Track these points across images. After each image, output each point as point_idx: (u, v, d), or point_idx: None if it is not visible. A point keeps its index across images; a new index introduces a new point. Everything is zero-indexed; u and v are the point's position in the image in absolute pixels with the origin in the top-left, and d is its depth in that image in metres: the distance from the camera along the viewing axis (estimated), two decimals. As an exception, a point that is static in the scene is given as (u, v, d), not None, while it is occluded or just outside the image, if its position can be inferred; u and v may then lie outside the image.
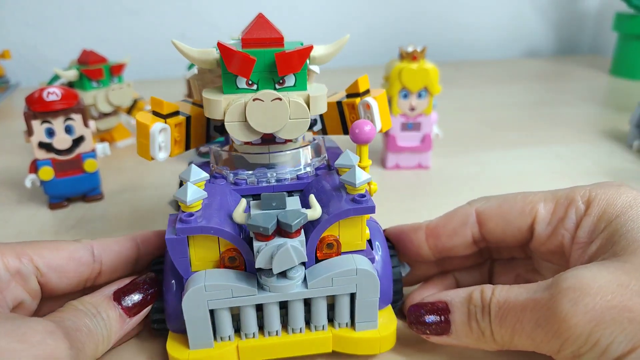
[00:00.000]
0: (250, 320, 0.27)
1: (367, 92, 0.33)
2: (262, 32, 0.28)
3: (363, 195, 0.27)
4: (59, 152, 0.47)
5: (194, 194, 0.26)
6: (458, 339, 0.27)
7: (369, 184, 0.30)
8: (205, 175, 0.28)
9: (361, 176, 0.27)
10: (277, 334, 0.28)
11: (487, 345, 0.26)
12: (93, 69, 0.59)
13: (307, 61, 0.29)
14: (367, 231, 0.29)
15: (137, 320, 0.29)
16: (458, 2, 1.20)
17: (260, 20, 0.29)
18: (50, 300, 0.30)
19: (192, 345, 0.27)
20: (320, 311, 0.28)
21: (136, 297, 0.29)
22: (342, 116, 0.34)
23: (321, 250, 0.28)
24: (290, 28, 0.32)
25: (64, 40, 1.03)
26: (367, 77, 0.33)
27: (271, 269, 0.26)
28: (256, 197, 0.30)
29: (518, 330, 0.25)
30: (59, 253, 0.29)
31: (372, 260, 0.28)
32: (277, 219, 0.25)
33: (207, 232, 0.26)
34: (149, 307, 0.29)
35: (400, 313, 0.32)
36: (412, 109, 0.54)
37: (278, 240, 0.25)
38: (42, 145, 0.47)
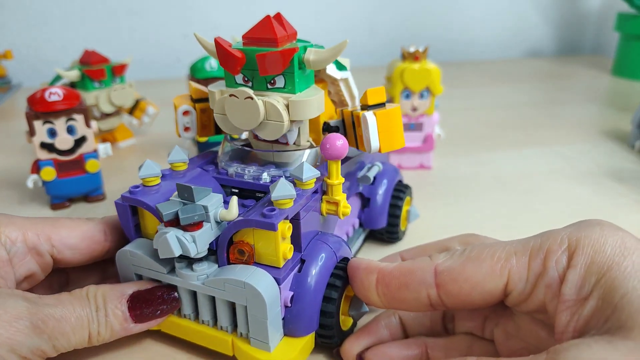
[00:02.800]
0: None
1: (381, 105, 0.31)
2: (260, 32, 0.29)
3: (273, 210, 0.26)
4: (60, 152, 0.47)
5: (146, 169, 0.30)
6: None
7: (337, 205, 0.29)
8: (157, 171, 0.30)
9: (309, 172, 0.28)
10: (190, 319, 0.30)
11: None
12: (95, 69, 0.59)
13: (295, 63, 0.28)
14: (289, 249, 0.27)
15: (141, 328, 0.29)
16: (460, 2, 1.20)
17: (264, 20, 0.29)
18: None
19: None
20: (221, 312, 0.28)
21: (149, 308, 0.29)
22: (354, 127, 0.32)
23: (234, 254, 0.27)
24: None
25: (66, 40, 1.03)
26: (383, 90, 0.31)
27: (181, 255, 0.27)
28: (239, 189, 0.31)
29: None
30: (74, 232, 0.31)
31: (279, 281, 0.26)
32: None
33: (139, 205, 0.28)
34: (158, 321, 0.29)
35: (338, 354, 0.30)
36: (414, 109, 0.54)
37: (171, 229, 0.26)
38: (44, 145, 0.47)
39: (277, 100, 0.29)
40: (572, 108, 0.81)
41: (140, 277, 0.30)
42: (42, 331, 0.25)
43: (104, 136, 0.65)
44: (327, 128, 0.32)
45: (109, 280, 0.34)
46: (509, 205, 0.48)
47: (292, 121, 0.29)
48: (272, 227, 0.25)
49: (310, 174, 0.28)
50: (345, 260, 0.30)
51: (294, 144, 0.31)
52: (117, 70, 0.61)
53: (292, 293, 0.28)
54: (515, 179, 0.54)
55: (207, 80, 0.61)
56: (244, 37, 0.29)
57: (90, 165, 0.49)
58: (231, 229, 0.27)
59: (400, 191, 0.41)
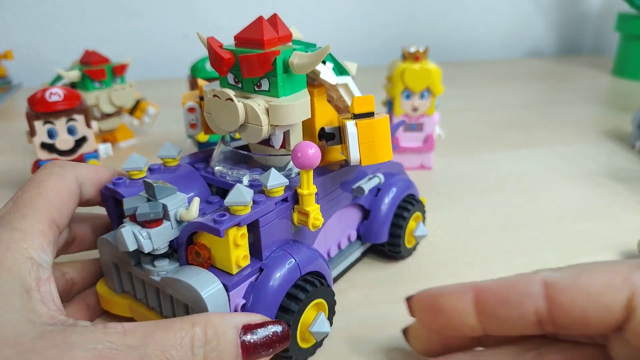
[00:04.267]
0: (135, 284, 0.30)
1: (369, 114, 0.29)
2: (249, 33, 0.29)
3: (224, 215, 0.25)
4: (61, 152, 0.47)
5: (130, 163, 0.31)
6: None
7: (307, 216, 0.28)
8: (140, 165, 0.31)
9: (275, 180, 0.27)
10: (156, 311, 0.30)
11: None
12: (95, 69, 0.59)
13: (279, 67, 0.28)
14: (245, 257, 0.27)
15: None
16: (461, 2, 1.20)
17: (256, 21, 0.29)
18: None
19: (107, 284, 0.31)
20: (178, 309, 0.28)
21: (263, 340, 0.24)
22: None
23: (191, 255, 0.27)
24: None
25: (67, 40, 1.03)
26: (371, 99, 0.29)
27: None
28: (222, 189, 0.32)
29: None
30: (89, 172, 0.30)
31: (228, 287, 0.26)
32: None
33: (116, 195, 0.29)
34: (267, 358, 0.25)
35: None
36: (415, 110, 0.54)
37: (129, 224, 0.26)
38: (44, 145, 0.47)
39: (259, 103, 0.28)
40: (572, 108, 0.81)
41: (116, 267, 0.30)
42: None
43: (105, 136, 0.65)
44: (323, 134, 0.32)
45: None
46: (510, 205, 0.48)
47: (274, 126, 0.29)
48: (218, 233, 0.25)
49: (276, 182, 0.27)
50: (316, 273, 0.29)
51: (282, 147, 0.31)
52: (118, 71, 0.61)
53: (244, 301, 0.27)
54: (515, 179, 0.54)
55: (207, 81, 0.61)
56: (235, 37, 0.29)
57: (91, 166, 0.49)
58: (186, 230, 0.27)
59: (406, 206, 0.38)
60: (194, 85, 0.61)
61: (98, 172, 0.31)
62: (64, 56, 0.97)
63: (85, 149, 0.48)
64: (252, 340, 0.24)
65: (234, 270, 0.26)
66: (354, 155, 0.29)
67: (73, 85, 0.60)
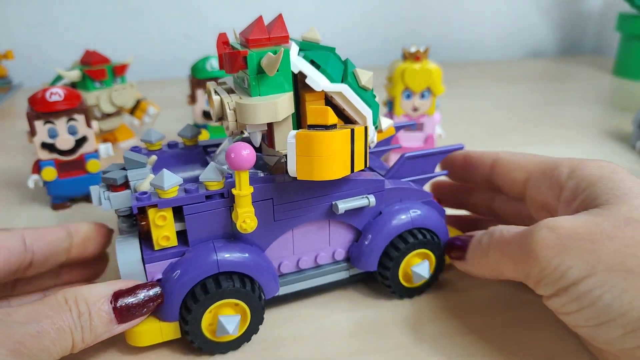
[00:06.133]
0: None
1: (322, 127, 0.28)
2: (244, 32, 0.29)
3: (145, 194, 0.28)
4: (61, 152, 0.47)
5: (145, 135, 0.35)
6: (469, 264, 0.32)
7: (237, 217, 0.28)
8: (150, 139, 0.35)
9: (170, 180, 0.28)
10: None
11: (486, 271, 0.31)
12: (96, 69, 0.59)
13: (250, 66, 0.28)
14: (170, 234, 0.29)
15: (124, 328, 0.28)
16: (461, 2, 1.20)
17: (254, 21, 0.29)
18: None
19: None
20: None
21: (134, 305, 0.27)
22: None
23: (140, 224, 0.30)
24: (293, 30, 0.32)
25: (67, 40, 1.03)
26: (325, 111, 0.28)
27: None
28: None
29: (504, 258, 0.29)
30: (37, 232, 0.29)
31: (144, 260, 0.29)
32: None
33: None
34: (141, 319, 0.28)
35: None
36: (415, 110, 0.54)
37: (101, 186, 0.31)
38: (44, 145, 0.47)
39: (231, 99, 0.29)
40: (573, 108, 0.81)
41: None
42: (22, 353, 0.23)
43: (105, 136, 0.65)
44: None
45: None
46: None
47: (243, 124, 0.29)
48: (132, 209, 0.28)
49: (172, 182, 0.28)
50: (241, 274, 0.30)
51: (271, 147, 0.31)
52: (118, 71, 0.61)
53: (161, 277, 0.29)
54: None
55: (208, 81, 0.61)
56: (239, 35, 0.31)
57: (91, 166, 0.49)
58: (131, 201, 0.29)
59: (408, 237, 0.34)
60: (194, 85, 0.61)
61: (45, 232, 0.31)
62: (65, 56, 0.97)
63: (85, 148, 0.48)
64: (124, 304, 0.27)
65: (155, 247, 0.29)
66: (291, 167, 0.27)
67: (73, 85, 0.60)
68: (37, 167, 0.48)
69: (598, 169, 0.29)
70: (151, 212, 0.28)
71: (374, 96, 0.32)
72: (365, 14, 1.16)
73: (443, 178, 0.41)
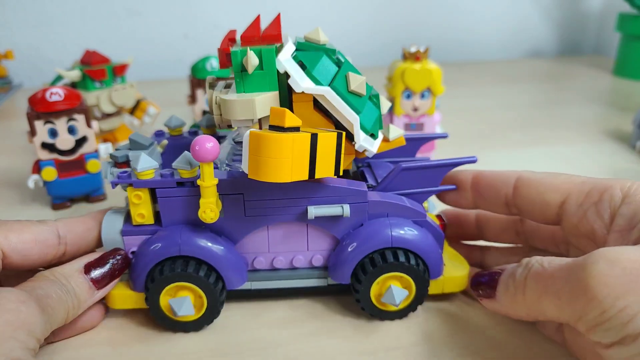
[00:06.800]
0: None
1: (280, 128, 0.27)
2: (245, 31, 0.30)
3: (125, 172, 0.31)
4: (61, 152, 0.47)
5: (168, 121, 0.39)
6: (500, 303, 0.28)
7: (204, 209, 0.29)
8: (171, 124, 0.39)
9: (144, 163, 0.30)
10: None
11: (521, 310, 0.27)
12: (96, 69, 0.59)
13: (235, 64, 0.29)
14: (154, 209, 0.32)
15: (104, 292, 0.31)
16: (461, 2, 1.20)
17: (253, 20, 0.30)
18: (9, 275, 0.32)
19: None
20: None
21: (105, 271, 0.30)
22: None
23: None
24: (293, 30, 0.32)
25: (67, 40, 1.03)
26: (283, 112, 0.27)
27: None
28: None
29: (546, 295, 0.24)
30: (24, 236, 0.30)
31: (122, 232, 0.32)
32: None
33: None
34: (116, 281, 0.31)
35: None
36: (415, 110, 0.54)
37: (109, 162, 0.34)
38: (45, 145, 0.47)
39: (218, 94, 0.30)
40: (573, 108, 0.81)
41: None
42: (44, 310, 0.25)
43: (105, 136, 0.65)
44: None
45: None
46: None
47: (227, 119, 0.30)
48: (112, 185, 0.31)
49: (146, 166, 0.30)
50: (200, 261, 0.31)
51: None
52: (118, 71, 0.61)
53: (135, 250, 0.32)
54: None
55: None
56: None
57: (91, 166, 0.49)
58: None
59: (388, 256, 0.31)
60: (194, 85, 0.61)
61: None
62: (65, 56, 0.97)
63: (85, 148, 0.48)
64: (97, 274, 0.30)
65: (133, 222, 0.32)
66: (244, 165, 0.28)
67: (74, 85, 0.60)
68: (37, 167, 0.48)
69: None
70: (129, 190, 0.31)
71: (376, 104, 0.31)
72: (365, 14, 1.16)
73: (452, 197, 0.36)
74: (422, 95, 0.53)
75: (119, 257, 0.31)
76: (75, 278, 0.29)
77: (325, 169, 0.28)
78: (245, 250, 0.33)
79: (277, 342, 0.32)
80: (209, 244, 0.31)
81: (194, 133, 0.39)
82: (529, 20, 1.25)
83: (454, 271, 0.34)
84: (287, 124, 0.27)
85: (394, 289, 0.31)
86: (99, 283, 0.30)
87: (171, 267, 0.31)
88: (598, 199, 0.28)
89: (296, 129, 0.27)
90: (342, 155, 0.29)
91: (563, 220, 0.30)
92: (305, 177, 0.27)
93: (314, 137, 0.27)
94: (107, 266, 0.31)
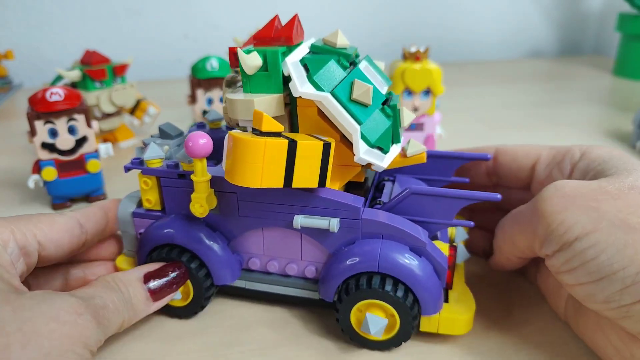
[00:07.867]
0: None
1: (258, 132, 0.26)
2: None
3: (137, 159, 0.33)
4: (62, 152, 0.47)
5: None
6: (495, 251, 0.34)
7: (194, 204, 0.29)
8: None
9: (152, 153, 0.32)
10: None
11: (507, 250, 0.32)
12: (96, 69, 0.59)
13: (240, 64, 0.28)
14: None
15: (159, 305, 0.31)
16: (462, 2, 1.20)
17: (270, 20, 0.30)
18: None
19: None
20: None
21: (163, 283, 0.31)
22: None
23: None
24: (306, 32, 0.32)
25: (67, 40, 1.03)
26: (260, 115, 0.26)
27: None
28: None
29: (516, 225, 0.30)
30: (54, 227, 0.30)
31: (133, 214, 0.34)
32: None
33: None
34: (173, 295, 0.31)
35: None
36: (415, 110, 0.54)
37: (155, 141, 0.36)
38: (45, 145, 0.47)
39: (225, 94, 0.31)
40: (573, 108, 0.81)
41: None
42: (100, 323, 0.26)
43: (105, 136, 0.65)
44: None
45: (71, 283, 0.34)
46: (511, 206, 0.48)
47: (235, 118, 0.30)
48: (125, 169, 0.33)
49: (153, 154, 0.32)
50: (190, 253, 0.32)
51: None
52: (118, 71, 0.61)
53: (142, 231, 0.34)
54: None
55: (208, 81, 0.61)
56: None
57: (92, 166, 0.49)
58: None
59: (375, 283, 0.29)
60: (194, 85, 0.61)
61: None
62: (65, 56, 0.97)
63: (85, 148, 0.48)
64: (155, 285, 0.30)
65: (144, 206, 0.34)
66: (223, 165, 0.28)
67: (74, 85, 0.60)
68: (37, 167, 0.48)
69: (608, 152, 0.31)
70: (139, 176, 0.33)
71: (390, 115, 0.29)
72: (366, 14, 1.16)
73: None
74: (422, 95, 0.53)
75: (178, 271, 0.32)
76: (134, 286, 0.29)
77: (305, 179, 0.27)
78: (241, 248, 0.33)
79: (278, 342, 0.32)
80: (199, 236, 0.32)
81: (230, 128, 0.37)
82: (529, 20, 1.25)
83: (456, 311, 0.30)
84: (264, 128, 0.26)
85: (369, 317, 0.29)
86: (156, 295, 0.30)
87: (160, 252, 0.32)
88: (561, 159, 0.33)
89: (277, 135, 0.26)
90: (330, 166, 0.28)
91: (532, 182, 0.35)
92: (280, 184, 0.26)
93: (292, 144, 0.26)
94: (167, 278, 0.31)
